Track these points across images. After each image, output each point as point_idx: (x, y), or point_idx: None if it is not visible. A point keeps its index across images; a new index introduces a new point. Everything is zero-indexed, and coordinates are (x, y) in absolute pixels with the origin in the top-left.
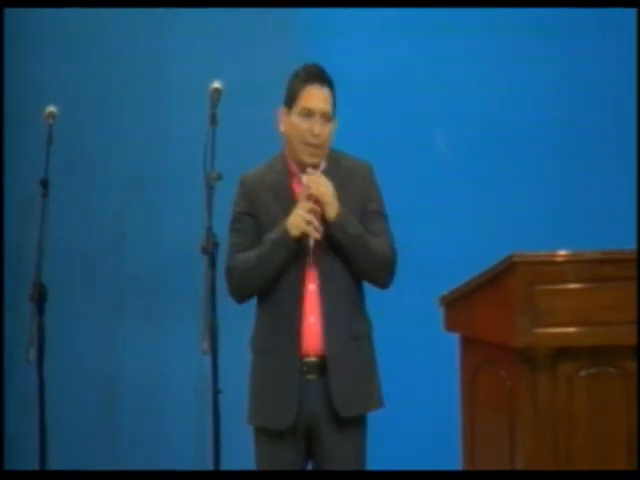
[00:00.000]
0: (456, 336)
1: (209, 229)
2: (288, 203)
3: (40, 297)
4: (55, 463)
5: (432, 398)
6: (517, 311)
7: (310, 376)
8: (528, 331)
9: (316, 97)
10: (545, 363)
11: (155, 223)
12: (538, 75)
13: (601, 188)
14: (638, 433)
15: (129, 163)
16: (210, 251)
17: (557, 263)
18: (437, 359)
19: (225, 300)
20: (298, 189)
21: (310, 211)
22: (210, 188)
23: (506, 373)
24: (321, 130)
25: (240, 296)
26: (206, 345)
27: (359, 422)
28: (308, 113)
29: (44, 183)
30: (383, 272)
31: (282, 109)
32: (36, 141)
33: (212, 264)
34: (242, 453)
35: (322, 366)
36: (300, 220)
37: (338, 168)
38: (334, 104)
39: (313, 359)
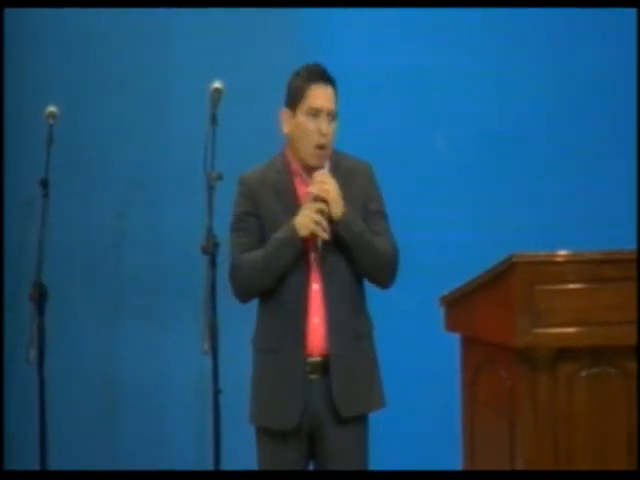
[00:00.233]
0: (456, 336)
1: (209, 229)
2: (291, 203)
3: (40, 297)
4: (55, 463)
5: (432, 398)
6: (517, 311)
7: (313, 376)
8: (528, 331)
9: (322, 96)
10: (545, 363)
11: (155, 223)
12: (538, 75)
13: (601, 188)
14: (638, 433)
15: (129, 163)
16: (210, 251)
17: (557, 263)
18: (437, 359)
19: (225, 300)
20: (301, 189)
21: (318, 211)
22: (210, 188)
23: (506, 373)
24: (328, 129)
25: (245, 296)
26: (206, 345)
27: (361, 422)
28: (315, 113)
29: (44, 183)
30: (386, 271)
31: (284, 110)
32: (36, 141)
33: (212, 264)
34: (242, 453)
35: (324, 366)
36: (309, 220)
37: (339, 168)
38: (337, 103)
39: (316, 359)
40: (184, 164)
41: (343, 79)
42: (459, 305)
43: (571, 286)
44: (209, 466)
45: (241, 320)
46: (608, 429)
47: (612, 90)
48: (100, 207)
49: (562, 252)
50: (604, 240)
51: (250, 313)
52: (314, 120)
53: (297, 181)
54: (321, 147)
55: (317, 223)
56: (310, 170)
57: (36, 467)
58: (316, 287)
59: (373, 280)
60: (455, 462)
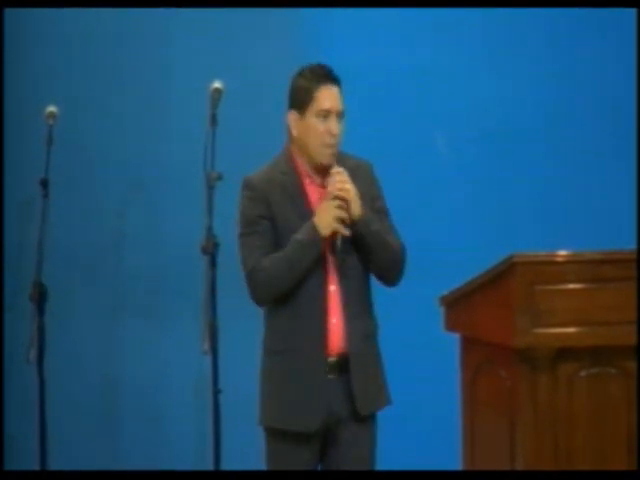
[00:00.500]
0: (456, 336)
1: (209, 229)
2: (302, 205)
3: (40, 297)
4: (55, 463)
5: (432, 398)
6: (517, 311)
7: (331, 375)
8: (528, 331)
9: (330, 97)
10: (545, 363)
11: (155, 223)
12: (538, 75)
13: (601, 188)
14: (638, 433)
15: (129, 163)
16: (210, 251)
17: (557, 263)
18: (437, 359)
19: (225, 300)
20: (312, 190)
21: (339, 208)
22: (210, 188)
23: (506, 373)
24: (337, 129)
25: (267, 299)
26: (206, 345)
27: (374, 420)
28: (325, 114)
29: (44, 183)
30: (397, 269)
31: (292, 113)
32: (36, 141)
33: (212, 264)
34: (242, 453)
35: (341, 365)
36: (332, 219)
37: (344, 167)
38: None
39: (334, 358)
40: (184, 164)
41: (343, 79)
42: (459, 305)
43: (571, 286)
44: (209, 466)
45: (241, 320)
46: (608, 429)
47: (612, 90)
48: (100, 207)
49: (562, 252)
50: (604, 240)
51: (250, 313)
52: (324, 121)
53: (307, 182)
54: (332, 147)
55: (340, 220)
56: (320, 170)
57: (36, 467)
58: (333, 288)
59: (384, 278)
60: (455, 462)
